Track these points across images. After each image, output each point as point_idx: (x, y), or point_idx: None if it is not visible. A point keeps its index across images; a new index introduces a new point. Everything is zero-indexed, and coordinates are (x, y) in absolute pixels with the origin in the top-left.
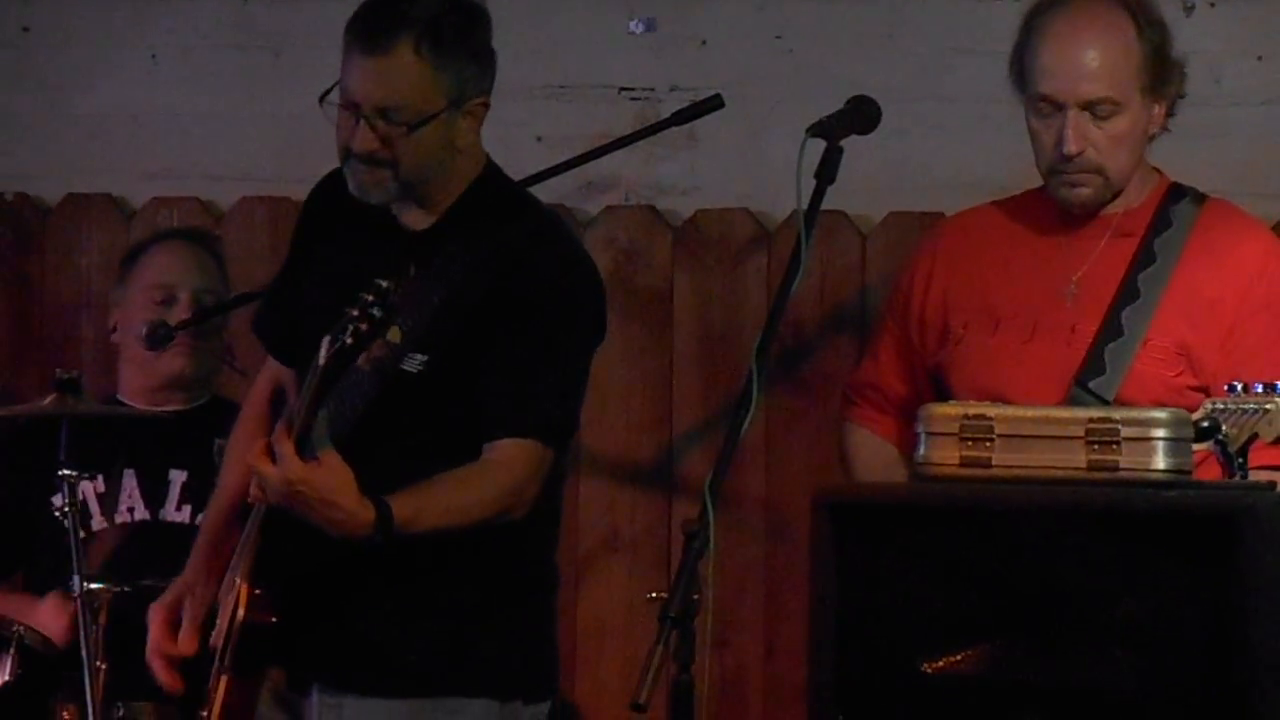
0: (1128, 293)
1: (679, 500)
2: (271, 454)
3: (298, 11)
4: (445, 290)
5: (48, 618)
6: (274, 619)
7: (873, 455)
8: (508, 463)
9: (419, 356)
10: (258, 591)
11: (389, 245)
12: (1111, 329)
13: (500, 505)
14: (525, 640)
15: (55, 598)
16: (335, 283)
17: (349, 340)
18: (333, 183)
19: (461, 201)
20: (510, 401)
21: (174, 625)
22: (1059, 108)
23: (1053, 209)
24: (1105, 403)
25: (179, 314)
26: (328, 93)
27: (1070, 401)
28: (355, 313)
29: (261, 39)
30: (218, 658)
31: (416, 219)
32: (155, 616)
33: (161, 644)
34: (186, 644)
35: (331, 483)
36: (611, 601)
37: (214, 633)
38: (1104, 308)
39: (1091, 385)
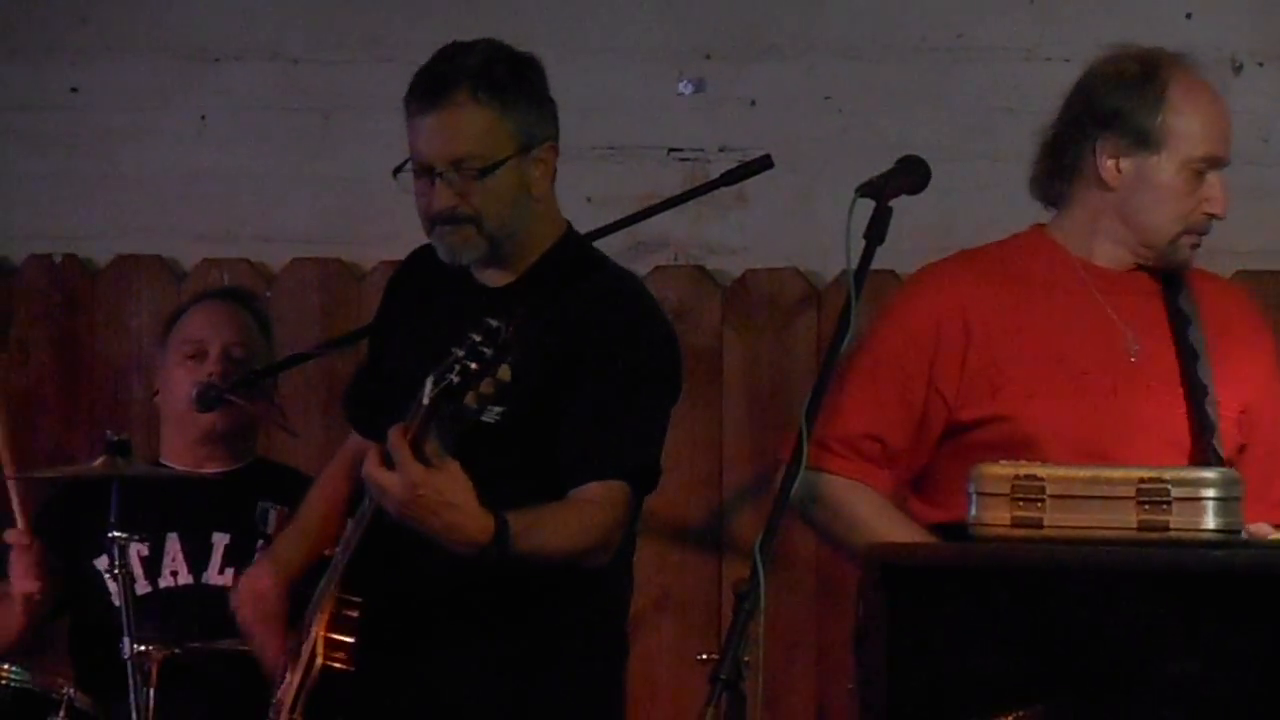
0: (1188, 351)
1: (729, 560)
2: (388, 462)
3: (348, 73)
4: (524, 343)
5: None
6: (350, 667)
7: (885, 512)
8: (601, 502)
9: (497, 408)
10: (336, 638)
11: (468, 303)
12: (1197, 387)
13: (593, 541)
14: (593, 704)
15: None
16: (415, 346)
17: (455, 379)
18: (413, 261)
19: (541, 261)
20: (597, 446)
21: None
22: (1212, 168)
23: (1072, 265)
24: (1222, 459)
25: (209, 369)
26: (400, 167)
27: (1202, 459)
28: (462, 352)
29: (311, 101)
30: (287, 709)
31: (495, 278)
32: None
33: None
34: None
35: (454, 486)
36: (662, 662)
37: (282, 687)
38: (1170, 365)
39: (1213, 442)
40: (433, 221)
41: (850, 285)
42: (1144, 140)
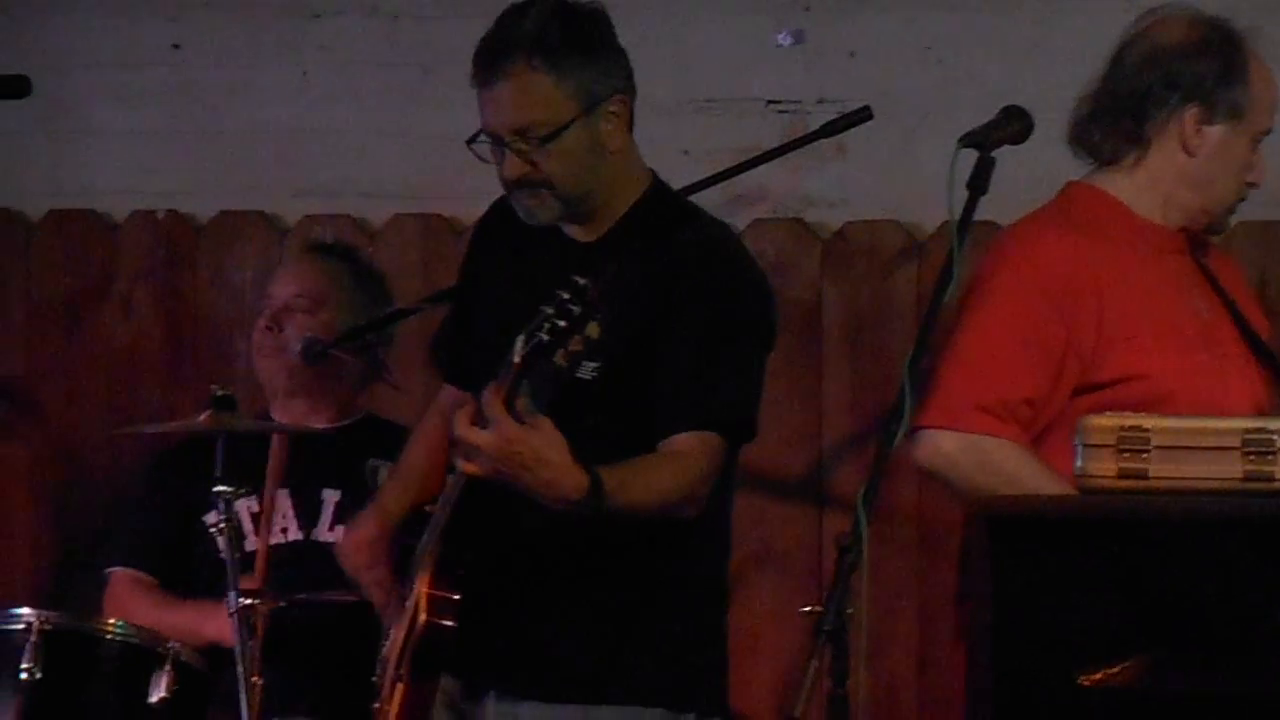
0: (1236, 311)
1: (829, 513)
2: (481, 422)
3: (446, 28)
4: (616, 298)
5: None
6: (453, 623)
7: (1054, 479)
8: (691, 454)
9: (592, 363)
10: (439, 596)
11: (558, 259)
12: (1260, 343)
13: (682, 494)
14: (700, 652)
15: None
16: (506, 301)
17: (545, 337)
18: (499, 208)
19: (630, 214)
20: (690, 396)
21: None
22: (1262, 139)
23: (1136, 223)
24: None
25: (264, 323)
26: (474, 138)
27: None
28: (551, 310)
29: (411, 56)
30: (393, 666)
31: (584, 233)
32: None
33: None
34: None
35: (548, 443)
36: (762, 615)
37: (387, 645)
38: (1228, 322)
39: None
40: (508, 188)
41: (954, 236)
42: (1233, 111)
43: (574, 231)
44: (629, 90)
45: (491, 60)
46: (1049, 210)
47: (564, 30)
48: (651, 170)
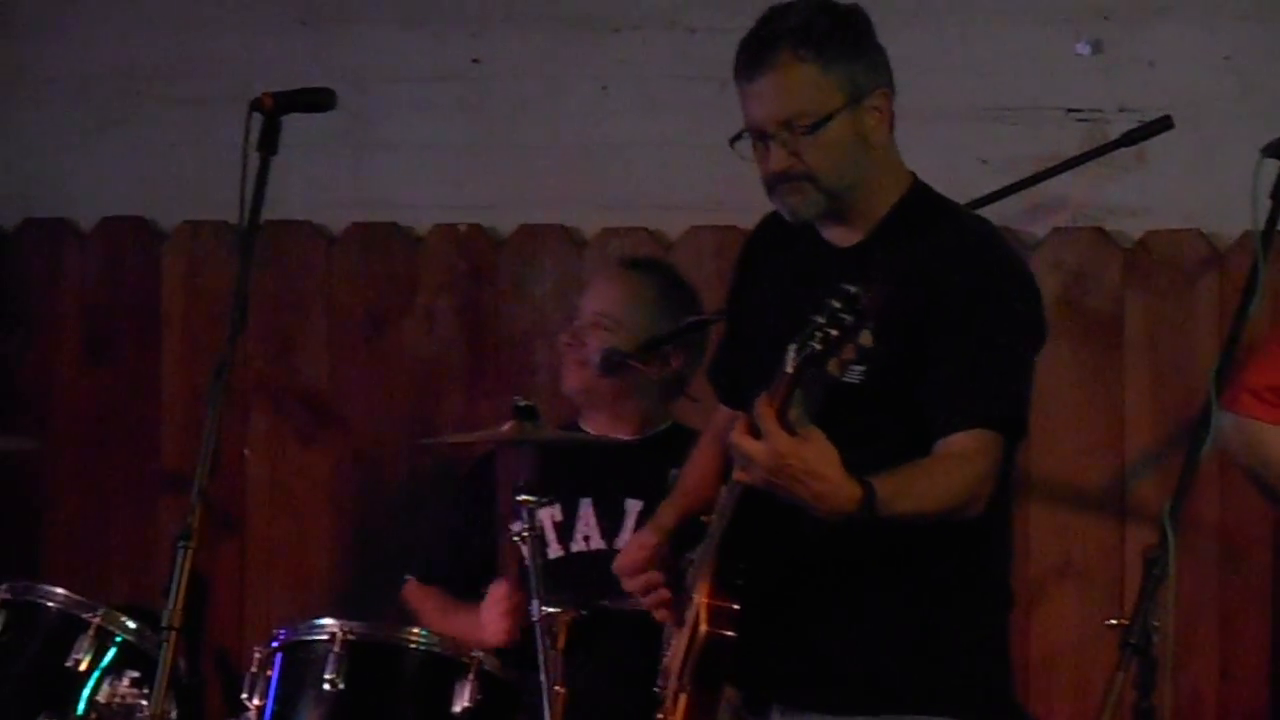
0: None
1: (1131, 526)
2: (754, 432)
3: None
4: (883, 303)
5: (487, 619)
6: (735, 634)
7: None
8: (968, 454)
9: (858, 367)
10: (720, 605)
11: (822, 267)
12: None
13: (961, 498)
14: (986, 659)
15: (493, 591)
16: (773, 314)
17: (818, 346)
18: (765, 224)
19: (891, 215)
20: (963, 395)
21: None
22: None
23: None
24: None
25: (565, 339)
26: (737, 136)
27: None
28: (822, 319)
29: (707, 69)
30: (675, 676)
31: (844, 236)
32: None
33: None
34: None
35: (820, 455)
36: (1063, 627)
37: (668, 655)
38: None
39: None
40: (771, 183)
41: (1257, 246)
42: None
43: (835, 236)
44: (891, 87)
45: (757, 53)
46: None
47: (829, 23)
48: (912, 172)
